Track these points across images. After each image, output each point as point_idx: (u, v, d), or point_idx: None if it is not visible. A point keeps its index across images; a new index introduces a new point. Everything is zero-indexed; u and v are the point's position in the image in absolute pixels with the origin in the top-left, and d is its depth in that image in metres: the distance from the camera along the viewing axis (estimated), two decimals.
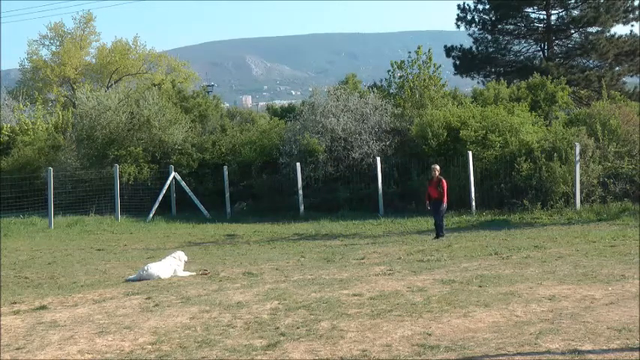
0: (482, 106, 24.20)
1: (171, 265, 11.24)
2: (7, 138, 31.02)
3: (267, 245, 15.94)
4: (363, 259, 12.53)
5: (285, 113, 31.36)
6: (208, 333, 7.18)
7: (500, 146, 21.21)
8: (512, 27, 36.48)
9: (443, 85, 26.54)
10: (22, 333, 7.58)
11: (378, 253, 13.37)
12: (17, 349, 6.93)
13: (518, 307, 7.68)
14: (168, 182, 23.74)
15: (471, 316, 7.37)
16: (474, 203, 20.25)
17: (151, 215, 22.67)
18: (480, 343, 6.39)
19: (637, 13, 34.43)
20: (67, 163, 26.09)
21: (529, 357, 5.95)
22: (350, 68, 65.49)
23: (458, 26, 36.99)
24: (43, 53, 48.58)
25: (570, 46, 35.98)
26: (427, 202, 16.03)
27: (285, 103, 51.26)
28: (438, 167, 16.22)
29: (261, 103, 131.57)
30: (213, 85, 59.63)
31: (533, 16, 35.87)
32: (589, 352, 5.99)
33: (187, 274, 11.26)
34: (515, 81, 30.14)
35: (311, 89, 27.92)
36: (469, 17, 36.18)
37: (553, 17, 35.52)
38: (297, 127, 24.30)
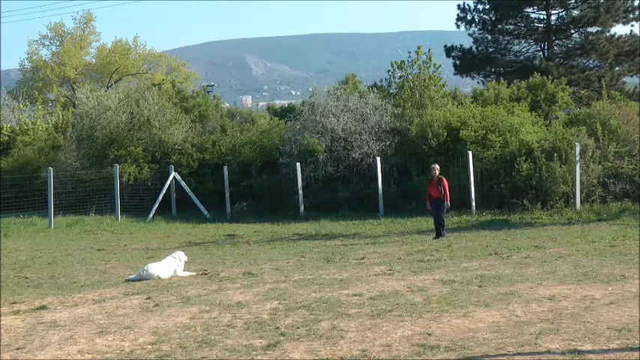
0: (482, 106, 24.20)
1: (171, 265, 11.24)
2: (7, 138, 31.03)
3: (267, 245, 15.94)
4: (363, 259, 12.53)
5: (285, 113, 31.36)
6: (208, 333, 7.18)
7: (500, 146, 21.20)
8: (512, 27, 36.46)
9: (443, 85, 26.54)
10: (22, 333, 7.58)
11: (378, 253, 13.38)
12: (17, 349, 6.93)
13: (518, 307, 7.68)
14: (168, 182, 23.74)
15: (471, 316, 7.37)
16: (473, 203, 20.25)
17: (151, 215, 22.67)
18: (479, 343, 6.39)
19: (637, 13, 34.42)
20: (67, 163, 26.09)
21: (529, 357, 5.95)
22: (350, 68, 65.49)
23: (458, 26, 37.00)
24: (43, 53, 48.67)
25: (570, 46, 35.97)
26: (428, 202, 16.04)
27: (285, 103, 51.25)
28: (437, 167, 16.23)
29: (261, 103, 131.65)
30: (213, 85, 59.65)
31: (533, 16, 35.88)
32: (589, 352, 5.99)
33: (187, 274, 11.27)
34: (515, 81, 30.13)
35: (311, 89, 27.91)
36: (469, 17, 36.17)
37: (553, 17, 35.53)
38: (297, 127, 24.31)
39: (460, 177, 20.65)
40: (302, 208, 22.19)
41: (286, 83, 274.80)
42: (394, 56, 27.89)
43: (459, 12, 36.51)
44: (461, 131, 21.60)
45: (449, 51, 37.18)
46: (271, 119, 30.74)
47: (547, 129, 22.27)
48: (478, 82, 36.71)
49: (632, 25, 34.93)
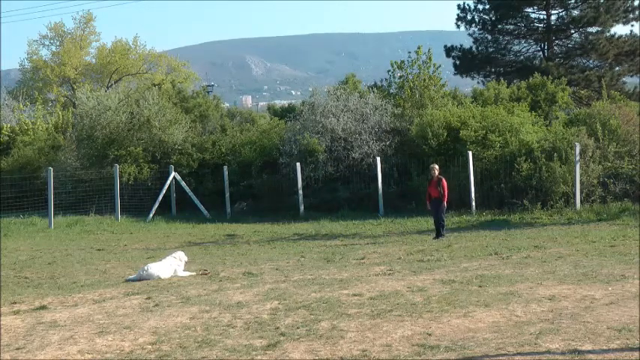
0: (482, 106, 24.20)
1: (171, 265, 11.24)
2: (7, 138, 31.04)
3: (267, 245, 15.94)
4: (363, 259, 12.53)
5: (285, 113, 31.36)
6: (208, 333, 7.18)
7: (500, 146, 21.20)
8: (512, 27, 36.45)
9: (443, 85, 26.54)
10: (22, 333, 7.58)
11: (378, 253, 13.37)
12: (17, 349, 6.93)
13: (518, 307, 7.68)
14: (168, 182, 23.74)
15: (471, 316, 7.37)
16: (473, 203, 20.25)
17: (151, 215, 22.67)
18: (479, 343, 6.39)
19: (637, 13, 34.42)
20: (67, 163, 26.09)
21: (529, 357, 5.95)
22: (350, 68, 65.49)
23: (458, 26, 36.99)
24: (43, 53, 48.68)
25: (570, 46, 35.97)
26: (428, 202, 16.05)
27: (285, 103, 51.26)
28: (437, 167, 16.24)
29: (261, 103, 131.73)
30: (213, 85, 59.65)
31: (533, 16, 35.87)
32: (589, 352, 5.99)
33: (187, 274, 11.27)
34: (515, 81, 30.14)
35: (311, 89, 27.91)
36: (469, 17, 36.17)
37: (553, 17, 35.52)
38: (297, 127, 24.31)
39: (460, 177, 20.65)
40: (302, 208, 22.19)
41: (286, 83, 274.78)
42: (394, 56, 27.90)
43: (459, 12, 36.54)
44: (461, 131, 21.60)
45: (449, 51, 37.17)
46: (271, 119, 30.73)
47: (547, 129, 22.27)
48: (478, 82, 36.71)
49: (632, 25, 34.98)
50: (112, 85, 44.95)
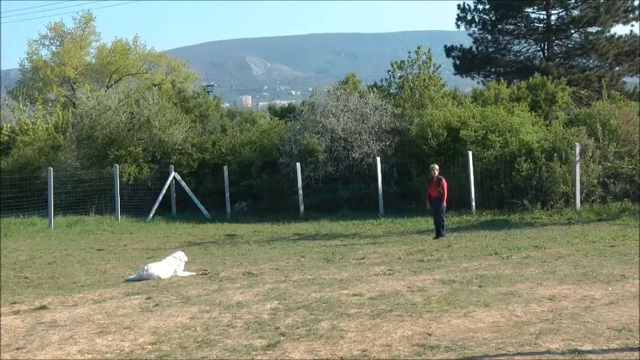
0: (482, 106, 24.20)
1: (171, 265, 11.24)
2: (7, 138, 31.04)
3: (267, 245, 15.94)
4: (363, 259, 12.53)
5: (285, 113, 31.35)
6: (208, 333, 7.18)
7: (500, 146, 21.20)
8: (512, 27, 36.45)
9: (443, 85, 26.54)
10: (22, 333, 7.58)
11: (378, 253, 13.37)
12: (17, 349, 6.93)
13: (518, 307, 7.68)
14: (168, 182, 23.74)
15: (471, 316, 7.37)
16: (473, 203, 20.25)
17: (151, 215, 22.67)
18: (479, 343, 6.39)
19: (637, 13, 34.42)
20: (67, 163, 26.09)
21: (529, 357, 5.95)
22: (350, 68, 65.49)
23: (458, 26, 37.00)
24: (43, 53, 48.69)
25: (570, 46, 35.97)
26: (427, 202, 16.05)
27: (285, 103, 51.25)
28: (437, 167, 16.24)
29: (261, 103, 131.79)
30: (213, 85, 59.64)
31: (533, 16, 35.87)
32: (589, 352, 5.99)
33: (187, 274, 11.27)
34: (515, 81, 30.14)
35: (311, 89, 27.91)
36: (469, 17, 36.17)
37: (553, 17, 35.52)
38: (297, 127, 24.31)
39: (460, 177, 20.65)
40: (302, 208, 22.19)
41: (286, 83, 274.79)
42: (394, 56, 27.91)
43: (459, 12, 36.54)
44: (461, 131, 21.60)
45: (449, 51, 37.17)
46: (271, 119, 30.72)
47: (547, 129, 22.27)
48: (478, 82, 36.71)
49: (632, 25, 34.98)
50: (112, 85, 44.95)
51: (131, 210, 23.49)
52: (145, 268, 11.11)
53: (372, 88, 27.93)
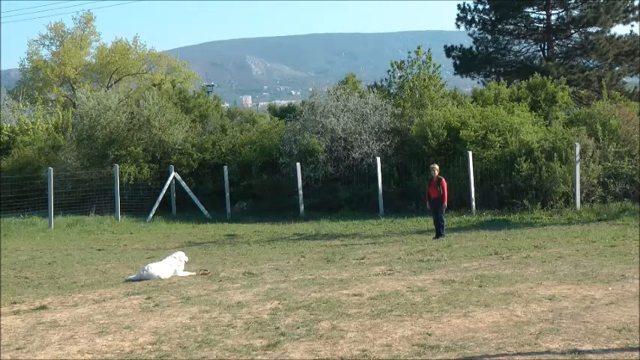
0: (482, 106, 24.21)
1: (171, 265, 11.24)
2: (7, 138, 31.03)
3: (267, 245, 15.94)
4: (363, 259, 12.53)
5: (285, 113, 31.36)
6: (208, 333, 7.18)
7: (500, 146, 21.20)
8: (512, 27, 36.48)
9: (443, 85, 26.54)
10: (22, 333, 7.57)
11: (378, 253, 13.37)
12: (17, 349, 6.93)
13: (518, 307, 7.68)
14: (169, 182, 23.74)
15: (471, 316, 7.37)
16: (473, 203, 20.25)
17: (151, 215, 22.67)
18: (479, 343, 6.39)
19: (637, 13, 34.44)
20: (67, 163, 26.09)
21: (529, 357, 5.95)
22: (350, 68, 65.53)
23: (458, 26, 37.01)
24: (43, 53, 48.67)
25: (570, 46, 35.99)
26: (427, 202, 16.05)
27: (285, 103, 51.26)
28: (437, 167, 16.23)
29: (261, 103, 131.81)
30: (213, 85, 59.61)
31: (533, 16, 35.90)
32: (589, 352, 5.99)
33: (187, 274, 11.26)
34: (515, 81, 30.15)
35: (311, 89, 27.92)
36: (469, 17, 36.19)
37: (553, 17, 35.55)
38: (297, 127, 24.30)
39: (460, 177, 20.65)
40: (302, 208, 22.19)
41: (286, 83, 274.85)
42: (394, 56, 27.94)
43: (459, 12, 36.56)
44: (461, 131, 21.60)
45: (449, 51, 37.18)
46: (271, 119, 30.72)
47: (547, 129, 22.27)
48: (478, 82, 36.73)
49: (632, 25, 35.00)
50: (112, 85, 44.93)
51: (131, 210, 23.49)
52: (145, 268, 11.11)
53: (372, 88, 27.93)
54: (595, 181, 20.03)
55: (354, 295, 8.74)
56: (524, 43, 37.05)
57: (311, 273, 10.82)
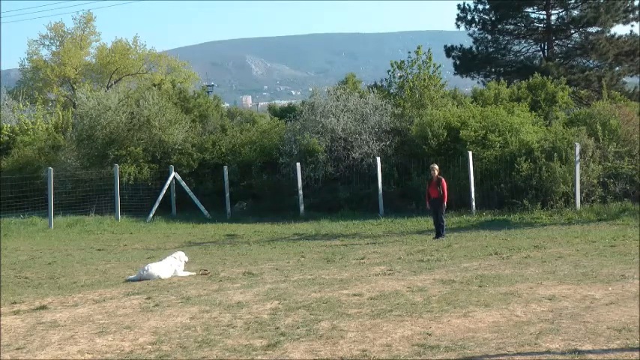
0: (482, 106, 24.21)
1: (171, 265, 11.24)
2: (7, 138, 31.03)
3: (267, 245, 15.94)
4: (363, 259, 12.53)
5: (285, 113, 31.35)
6: (208, 333, 7.18)
7: (500, 146, 21.21)
8: (512, 27, 36.48)
9: (442, 85, 26.54)
10: (22, 333, 7.57)
11: (378, 253, 13.37)
12: (17, 349, 6.93)
13: (518, 307, 7.68)
14: (169, 182, 23.74)
15: (471, 316, 7.37)
16: (473, 203, 20.25)
17: (151, 215, 22.67)
18: (479, 343, 6.39)
19: (637, 13, 34.44)
20: (67, 163, 26.09)
21: (529, 357, 5.95)
22: (350, 68, 65.54)
23: (458, 26, 37.02)
24: (43, 53, 48.67)
25: (570, 46, 35.99)
26: (427, 202, 16.05)
27: (285, 103, 51.27)
28: (436, 167, 16.23)
29: (261, 103, 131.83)
30: (213, 85, 59.64)
31: (533, 16, 35.90)
32: (589, 352, 5.99)
33: (187, 274, 11.26)
34: (515, 81, 30.15)
35: (311, 89, 27.92)
36: (469, 17, 36.19)
37: (553, 17, 35.56)
38: (297, 127, 24.30)
39: (460, 177, 20.65)
40: (302, 208, 22.19)
41: (286, 83, 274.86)
42: (394, 56, 27.94)
43: (459, 12, 36.56)
44: (461, 131, 21.60)
45: (449, 51, 37.19)
46: (271, 119, 30.72)
47: (547, 129, 22.27)
48: (478, 82, 36.73)
49: (632, 25, 35.00)
50: (112, 85, 44.93)
51: (131, 210, 23.49)
52: (145, 268, 11.11)
53: (372, 88, 27.93)
54: (595, 181, 20.03)
55: (354, 295, 8.74)
56: (524, 43, 37.05)
57: (311, 273, 10.82)
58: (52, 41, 48.47)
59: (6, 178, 25.82)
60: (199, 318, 7.87)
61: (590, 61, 35.52)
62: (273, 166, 23.90)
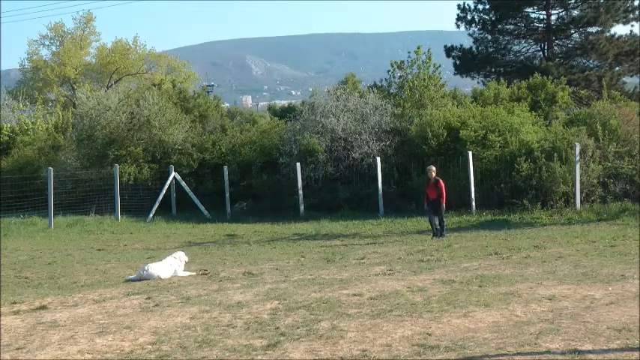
0: (482, 106, 24.20)
1: (171, 265, 11.24)
2: (7, 138, 31.03)
3: (267, 245, 15.94)
4: (363, 259, 12.53)
5: (285, 113, 31.35)
6: (208, 333, 7.18)
7: (500, 146, 21.20)
8: (512, 27, 36.50)
9: (442, 85, 26.54)
10: (22, 333, 7.57)
11: (378, 253, 13.37)
12: (17, 349, 6.93)
13: (518, 307, 7.68)
14: (169, 182, 23.74)
15: (471, 316, 7.37)
16: (473, 203, 20.25)
17: (151, 215, 22.67)
18: (479, 343, 6.39)
19: (637, 13, 34.45)
20: (67, 163, 26.09)
21: (529, 357, 5.95)
22: (350, 68, 65.55)
23: (458, 26, 37.03)
24: (43, 53, 48.68)
25: (570, 46, 36.00)
26: (425, 203, 16.07)
27: (285, 103, 51.27)
28: (434, 168, 16.24)
29: (261, 103, 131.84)
30: (213, 85, 59.65)
31: (533, 16, 35.92)
32: (589, 352, 5.99)
33: (187, 274, 11.26)
34: (515, 81, 30.16)
35: (311, 89, 27.92)
36: (469, 17, 36.21)
37: (553, 17, 35.57)
38: (297, 127, 24.30)
39: (460, 177, 20.65)
40: (302, 208, 22.19)
41: (286, 83, 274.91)
42: (394, 56, 27.94)
43: (459, 12, 36.58)
44: (461, 131, 21.60)
45: (449, 51, 37.20)
46: (271, 119, 30.72)
47: (547, 129, 22.26)
48: (478, 82, 36.74)
49: (632, 25, 35.02)
50: (112, 85, 44.93)
51: (131, 210, 23.49)
52: (145, 268, 11.11)
53: (372, 88, 27.94)
54: (595, 181, 20.03)
55: (354, 295, 8.74)
56: (524, 43, 37.07)
57: (311, 273, 10.82)
58: (52, 41, 48.52)
59: (6, 178, 25.82)
60: (199, 318, 7.87)
61: (590, 61, 35.54)
62: (273, 166, 23.90)
